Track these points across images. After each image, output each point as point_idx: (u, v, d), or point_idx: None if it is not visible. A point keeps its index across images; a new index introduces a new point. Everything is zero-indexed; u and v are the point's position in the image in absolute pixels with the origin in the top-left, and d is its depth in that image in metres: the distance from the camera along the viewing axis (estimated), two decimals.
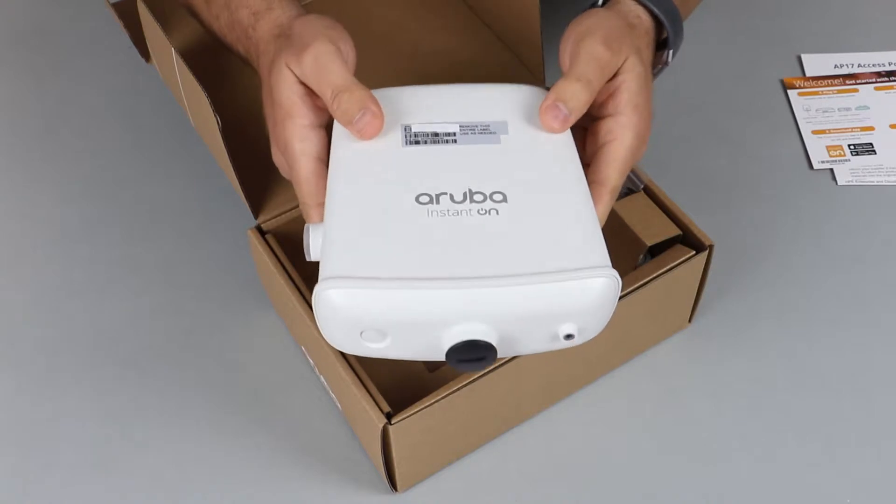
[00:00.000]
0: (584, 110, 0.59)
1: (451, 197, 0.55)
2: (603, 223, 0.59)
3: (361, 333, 0.53)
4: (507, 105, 0.62)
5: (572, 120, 0.59)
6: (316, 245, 0.56)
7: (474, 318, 0.52)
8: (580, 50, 0.60)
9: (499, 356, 0.54)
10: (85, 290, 0.80)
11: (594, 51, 0.60)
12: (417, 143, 0.59)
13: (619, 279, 0.53)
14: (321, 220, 0.57)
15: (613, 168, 0.60)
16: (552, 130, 0.59)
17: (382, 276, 0.51)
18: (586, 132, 0.63)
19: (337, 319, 0.53)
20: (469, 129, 0.59)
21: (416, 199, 0.55)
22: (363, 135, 0.57)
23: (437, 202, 0.55)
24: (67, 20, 0.99)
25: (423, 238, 0.53)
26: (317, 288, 0.52)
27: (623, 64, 0.61)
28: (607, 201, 0.59)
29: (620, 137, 0.60)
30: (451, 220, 0.54)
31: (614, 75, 0.61)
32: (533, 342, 0.55)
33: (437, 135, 0.59)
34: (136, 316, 0.78)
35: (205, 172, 0.86)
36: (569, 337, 0.54)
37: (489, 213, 0.54)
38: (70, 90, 0.94)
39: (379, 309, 0.51)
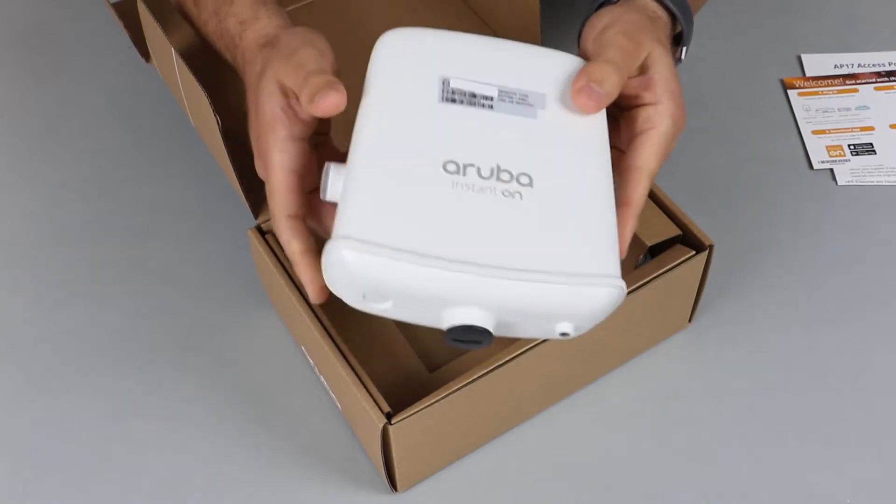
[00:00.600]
0: (617, 93, 0.59)
1: (479, 171, 0.54)
2: (640, 209, 0.59)
3: (364, 295, 0.53)
4: (549, 74, 0.60)
5: (606, 101, 0.59)
6: (335, 188, 0.55)
7: (475, 304, 0.52)
8: (602, 40, 0.61)
9: (494, 336, 0.54)
10: (85, 290, 0.80)
11: (616, 40, 0.60)
12: (454, 101, 0.57)
13: (625, 288, 0.53)
14: (288, 234, 0.57)
15: (653, 153, 0.60)
16: (587, 110, 0.58)
17: (395, 246, 0.51)
18: (618, 122, 0.63)
19: (343, 277, 0.52)
20: (507, 97, 0.58)
21: (444, 166, 0.54)
22: (316, 107, 0.56)
23: (464, 174, 0.54)
24: (67, 20, 1.00)
25: (442, 213, 0.52)
26: (329, 244, 0.51)
27: (650, 54, 0.61)
28: (646, 185, 0.59)
29: (659, 125, 0.60)
30: (474, 196, 0.53)
31: (645, 66, 0.61)
32: (529, 331, 0.56)
33: (474, 96, 0.58)
34: (136, 316, 0.78)
35: (205, 172, 0.86)
36: (564, 334, 0.54)
37: (513, 196, 0.54)
38: (70, 90, 0.94)
39: (385, 277, 0.51)
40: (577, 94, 0.58)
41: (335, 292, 0.55)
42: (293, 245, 0.58)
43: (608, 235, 0.54)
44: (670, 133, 0.60)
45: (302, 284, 0.59)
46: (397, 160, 0.54)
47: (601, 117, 0.59)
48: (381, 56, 0.59)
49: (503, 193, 0.54)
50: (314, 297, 0.58)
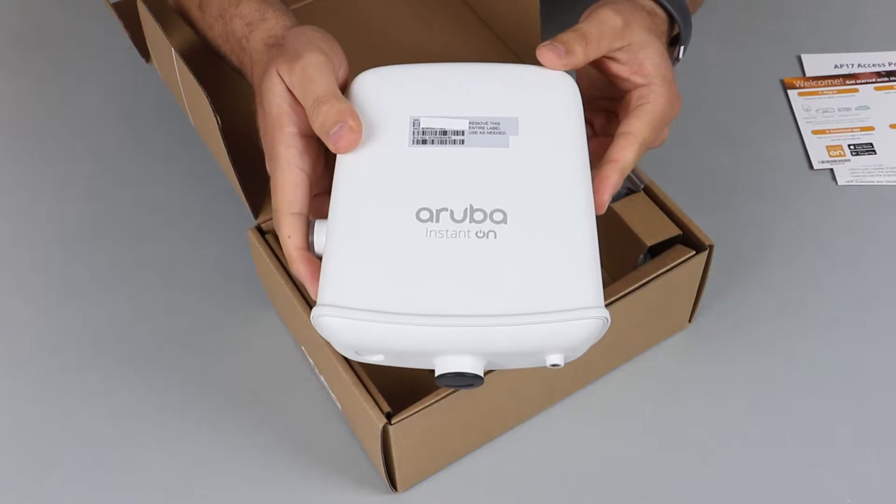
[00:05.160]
0: (582, 59, 0.60)
1: (452, 214, 0.55)
2: (626, 168, 0.59)
3: (357, 351, 0.55)
4: (520, 94, 0.60)
5: (570, 60, 0.59)
6: (320, 242, 0.56)
7: (464, 353, 0.53)
8: (591, 14, 0.62)
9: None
10: (85, 290, 0.80)
11: (601, 14, 0.61)
12: (424, 142, 0.58)
13: (608, 317, 0.53)
14: (288, 230, 0.58)
15: (644, 122, 0.60)
16: (551, 65, 0.60)
17: (375, 309, 0.52)
18: (611, 116, 0.63)
19: (332, 340, 0.54)
20: (478, 127, 0.58)
21: (417, 214, 0.55)
22: (337, 148, 0.57)
23: (437, 220, 0.54)
24: (67, 20, 1.00)
25: (419, 266, 0.53)
26: (314, 312, 0.53)
27: (641, 42, 0.62)
28: (634, 149, 0.59)
29: (653, 101, 0.61)
30: (448, 243, 0.54)
31: (636, 53, 0.61)
32: (519, 365, 0.57)
33: (445, 133, 0.58)
34: (136, 316, 0.78)
35: (205, 172, 0.86)
36: (554, 365, 0.55)
37: (487, 237, 0.54)
38: (70, 90, 0.94)
39: (371, 339, 0.53)
40: (541, 50, 0.59)
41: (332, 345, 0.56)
42: (292, 241, 0.57)
43: (588, 264, 0.54)
44: (664, 111, 0.61)
45: (300, 281, 0.59)
46: (372, 215, 0.55)
47: (579, 132, 0.59)
48: (354, 102, 0.59)
49: (476, 235, 0.54)
50: (314, 295, 0.58)
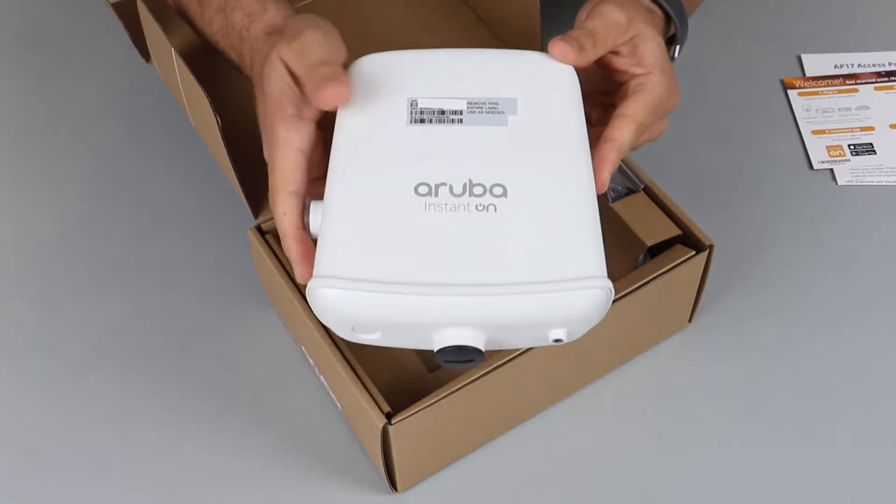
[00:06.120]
0: (591, 57, 0.60)
1: (451, 188, 0.54)
2: (624, 148, 0.59)
3: (353, 328, 0.54)
4: (518, 77, 0.60)
5: (583, 57, 0.60)
6: (316, 223, 0.56)
7: (464, 325, 0.52)
8: (594, 11, 0.62)
9: (486, 351, 0.54)
10: (85, 290, 0.80)
11: (605, 10, 0.61)
12: (422, 121, 0.57)
13: (612, 288, 0.52)
14: (284, 207, 0.57)
15: (642, 106, 0.60)
16: (564, 58, 0.60)
17: (374, 279, 0.51)
18: (609, 108, 0.64)
19: (329, 314, 0.53)
20: (477, 108, 0.58)
21: (416, 189, 0.54)
22: (320, 97, 0.56)
23: (436, 194, 0.54)
24: (67, 20, 1.00)
25: (418, 237, 0.53)
26: (310, 284, 0.52)
27: (641, 34, 0.62)
28: (631, 129, 0.59)
29: (651, 88, 0.61)
30: (448, 215, 0.53)
31: (636, 46, 0.62)
32: (522, 342, 0.56)
33: (443, 112, 0.58)
34: (136, 316, 0.78)
35: (205, 172, 0.86)
36: (557, 340, 0.54)
37: (487, 210, 0.54)
38: (70, 90, 0.94)
39: (369, 311, 0.52)
40: (554, 44, 0.59)
41: (325, 324, 0.55)
42: (288, 218, 0.57)
43: (590, 235, 0.54)
44: (661, 98, 0.61)
45: (290, 260, 0.58)
46: (369, 190, 0.55)
47: (577, 112, 0.59)
48: (352, 84, 0.59)
49: (476, 208, 0.54)
50: (300, 276, 0.58)
